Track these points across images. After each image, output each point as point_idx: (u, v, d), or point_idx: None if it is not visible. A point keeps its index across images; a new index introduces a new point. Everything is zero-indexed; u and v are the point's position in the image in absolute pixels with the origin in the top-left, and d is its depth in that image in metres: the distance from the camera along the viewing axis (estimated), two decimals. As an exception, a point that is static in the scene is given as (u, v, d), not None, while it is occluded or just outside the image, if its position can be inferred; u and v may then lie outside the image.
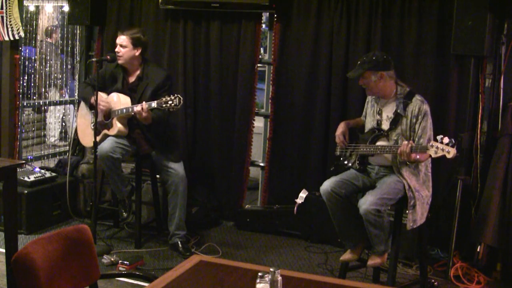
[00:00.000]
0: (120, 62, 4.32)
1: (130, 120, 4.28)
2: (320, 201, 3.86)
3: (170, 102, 3.91)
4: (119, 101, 4.27)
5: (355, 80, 3.86)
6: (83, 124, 4.60)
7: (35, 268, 2.06)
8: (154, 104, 4.00)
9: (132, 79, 4.39)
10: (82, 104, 4.61)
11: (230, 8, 4.96)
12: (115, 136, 4.26)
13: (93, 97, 4.32)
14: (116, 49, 4.31)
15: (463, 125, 4.36)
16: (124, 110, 4.19)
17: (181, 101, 3.92)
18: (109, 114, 4.30)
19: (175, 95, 3.93)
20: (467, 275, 4.13)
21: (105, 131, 4.32)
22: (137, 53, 4.33)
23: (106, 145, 4.18)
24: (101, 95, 4.35)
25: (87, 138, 4.54)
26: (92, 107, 4.41)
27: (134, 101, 4.29)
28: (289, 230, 4.93)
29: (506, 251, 4.09)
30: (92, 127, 4.40)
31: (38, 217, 4.77)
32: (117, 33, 4.43)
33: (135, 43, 4.31)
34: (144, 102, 4.08)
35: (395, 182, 3.48)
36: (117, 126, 4.25)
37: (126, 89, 4.36)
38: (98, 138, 4.29)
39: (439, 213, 4.41)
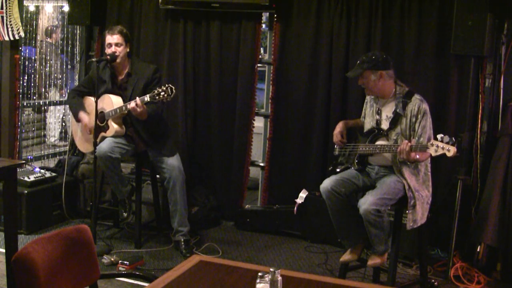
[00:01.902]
0: (118, 61, 4.30)
1: (124, 118, 4.27)
2: (320, 201, 3.86)
3: (162, 93, 3.89)
4: (111, 102, 4.25)
5: (354, 80, 3.86)
6: (78, 131, 4.59)
7: (35, 268, 2.06)
8: (147, 98, 3.99)
9: (121, 76, 4.37)
10: None
11: (230, 8, 4.96)
12: (113, 136, 4.27)
13: (80, 112, 4.35)
14: (112, 49, 4.26)
15: (463, 125, 4.36)
16: (118, 110, 4.18)
17: (173, 90, 3.89)
18: (103, 117, 4.30)
19: (166, 85, 3.90)
20: (467, 275, 4.13)
21: (103, 134, 4.31)
22: (128, 49, 4.35)
23: (105, 146, 4.18)
24: (91, 100, 4.35)
25: (84, 145, 4.54)
26: (79, 121, 4.43)
27: (126, 99, 4.28)
28: (289, 230, 4.92)
29: (506, 251, 4.09)
30: (89, 132, 4.39)
31: (38, 217, 4.77)
32: (106, 33, 4.34)
33: (126, 39, 4.33)
34: (136, 98, 4.05)
35: (395, 182, 3.48)
36: (114, 127, 4.25)
37: (115, 89, 4.35)
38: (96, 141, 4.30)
39: (439, 213, 4.41)
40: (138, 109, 4.04)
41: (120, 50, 4.28)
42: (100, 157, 4.17)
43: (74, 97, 4.49)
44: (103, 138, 4.30)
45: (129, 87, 4.31)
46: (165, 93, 3.89)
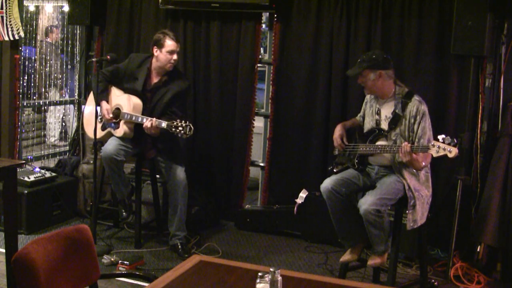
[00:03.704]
0: (170, 69, 4.30)
1: (138, 124, 4.21)
2: (320, 201, 3.86)
3: (180, 129, 3.87)
4: (130, 104, 4.22)
5: (354, 78, 3.86)
6: (91, 113, 4.51)
7: (35, 268, 2.06)
8: (164, 124, 3.96)
9: (155, 80, 4.34)
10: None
11: (230, 8, 4.96)
12: (120, 138, 4.26)
13: (103, 102, 4.29)
14: (175, 57, 4.26)
15: (463, 125, 4.36)
16: (134, 118, 4.15)
17: (192, 131, 3.87)
18: (118, 114, 4.27)
19: (187, 123, 3.88)
20: (467, 275, 4.13)
21: (111, 129, 4.30)
22: None
23: (111, 147, 4.17)
24: (115, 91, 4.34)
25: (91, 128, 4.47)
26: (99, 105, 4.38)
27: (150, 104, 4.26)
28: (289, 230, 4.92)
29: (506, 251, 4.09)
30: (99, 121, 4.38)
31: (38, 217, 4.77)
32: (167, 39, 4.25)
33: None
34: (154, 119, 4.02)
35: (395, 182, 3.48)
36: (124, 129, 4.23)
37: (146, 91, 4.30)
38: (102, 134, 4.32)
39: (439, 213, 4.41)
40: (152, 131, 4.03)
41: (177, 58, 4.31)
42: (105, 159, 4.18)
43: (101, 81, 4.36)
44: (110, 134, 4.29)
45: (158, 93, 4.28)
46: (182, 130, 3.87)
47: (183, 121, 3.89)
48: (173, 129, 3.89)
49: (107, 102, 4.32)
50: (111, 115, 4.26)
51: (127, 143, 4.27)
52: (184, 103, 4.46)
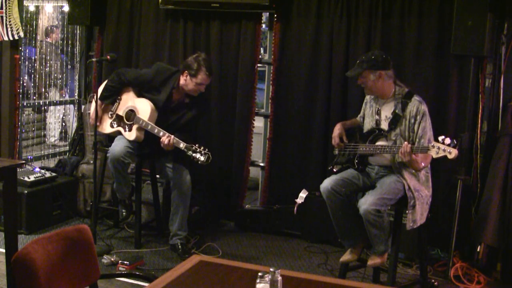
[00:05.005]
0: (195, 94, 4.29)
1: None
2: (320, 201, 3.86)
3: (198, 155, 3.85)
4: (147, 112, 4.19)
5: (354, 79, 3.86)
6: (102, 110, 4.47)
7: (35, 268, 2.06)
8: (182, 145, 3.94)
9: (178, 97, 4.31)
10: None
11: (230, 8, 4.96)
12: (129, 141, 4.25)
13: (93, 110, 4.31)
14: (201, 89, 4.24)
15: (463, 125, 4.36)
16: (150, 127, 4.11)
17: (210, 160, 3.84)
18: (132, 117, 4.25)
19: (206, 150, 3.85)
20: (467, 275, 4.13)
21: (121, 129, 4.30)
22: None
23: (119, 149, 4.17)
24: (132, 92, 4.34)
25: (102, 124, 4.45)
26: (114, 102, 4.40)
27: (168, 119, 4.24)
28: (289, 230, 4.93)
29: (506, 251, 4.09)
30: (110, 116, 4.38)
31: (38, 217, 4.77)
32: (204, 71, 4.19)
33: None
34: (173, 137, 3.99)
35: (395, 182, 3.48)
36: (136, 134, 4.21)
37: (167, 108, 4.27)
38: (111, 130, 4.34)
39: (439, 213, 4.41)
40: (169, 147, 4.01)
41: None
42: (112, 159, 4.18)
43: (116, 86, 4.35)
44: (119, 133, 4.29)
45: (177, 113, 4.28)
46: (201, 156, 3.84)
47: (202, 147, 3.86)
48: (190, 152, 3.88)
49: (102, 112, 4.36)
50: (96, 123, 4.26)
51: (134, 145, 4.26)
52: (198, 123, 4.48)
